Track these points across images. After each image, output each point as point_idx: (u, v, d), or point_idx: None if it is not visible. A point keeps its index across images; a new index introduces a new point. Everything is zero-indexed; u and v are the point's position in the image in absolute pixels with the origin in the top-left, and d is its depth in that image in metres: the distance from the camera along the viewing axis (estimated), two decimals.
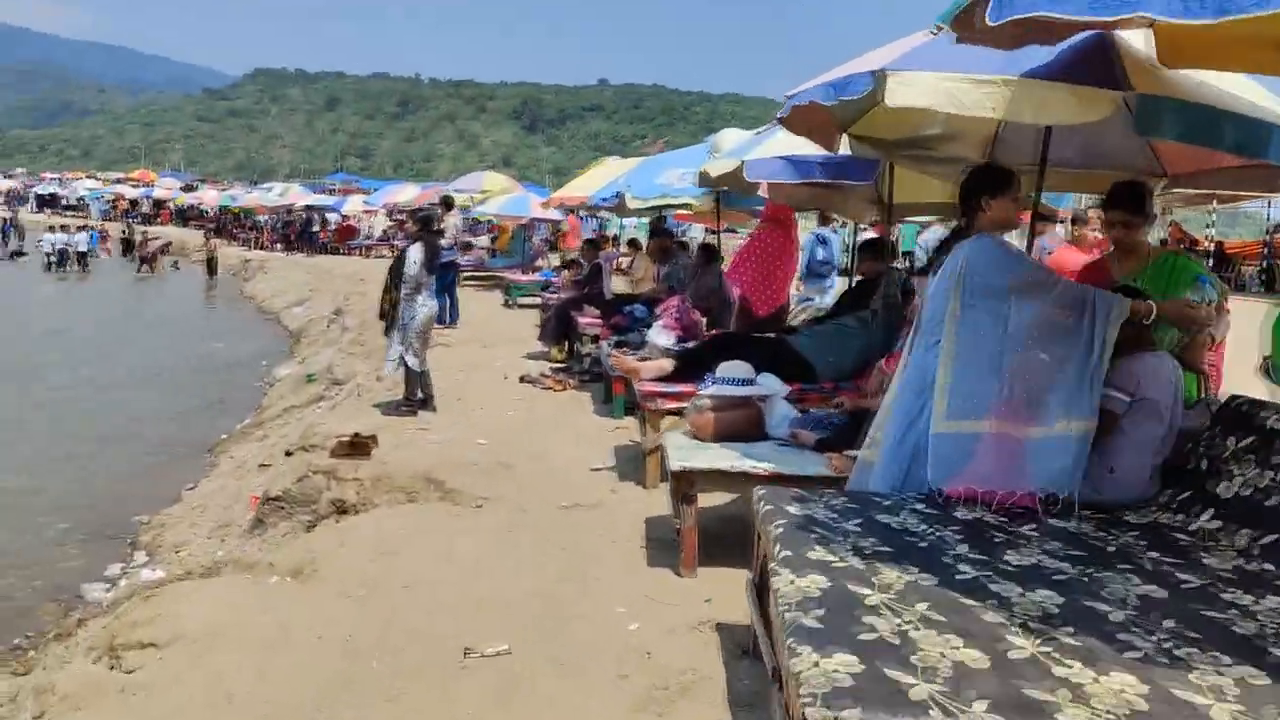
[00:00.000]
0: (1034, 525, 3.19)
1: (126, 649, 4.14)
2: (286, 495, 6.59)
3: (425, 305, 8.16)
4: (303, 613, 4.31)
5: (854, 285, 6.83)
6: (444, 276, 13.33)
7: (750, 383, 4.98)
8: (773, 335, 6.38)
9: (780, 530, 3.00)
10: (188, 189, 58.47)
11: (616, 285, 13.25)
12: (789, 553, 2.81)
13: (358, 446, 6.88)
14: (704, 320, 7.93)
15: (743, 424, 4.87)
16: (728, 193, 8.25)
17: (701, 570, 4.46)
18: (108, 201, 55.69)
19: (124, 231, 38.50)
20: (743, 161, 5.45)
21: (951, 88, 3.50)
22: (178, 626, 4.22)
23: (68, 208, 58.21)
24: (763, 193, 7.07)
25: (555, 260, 22.36)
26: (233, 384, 15.71)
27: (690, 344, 7.43)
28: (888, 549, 2.88)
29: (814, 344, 6.00)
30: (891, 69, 3.59)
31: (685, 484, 4.36)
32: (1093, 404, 3.45)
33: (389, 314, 8.35)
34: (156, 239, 35.58)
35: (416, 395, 8.25)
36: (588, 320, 10.11)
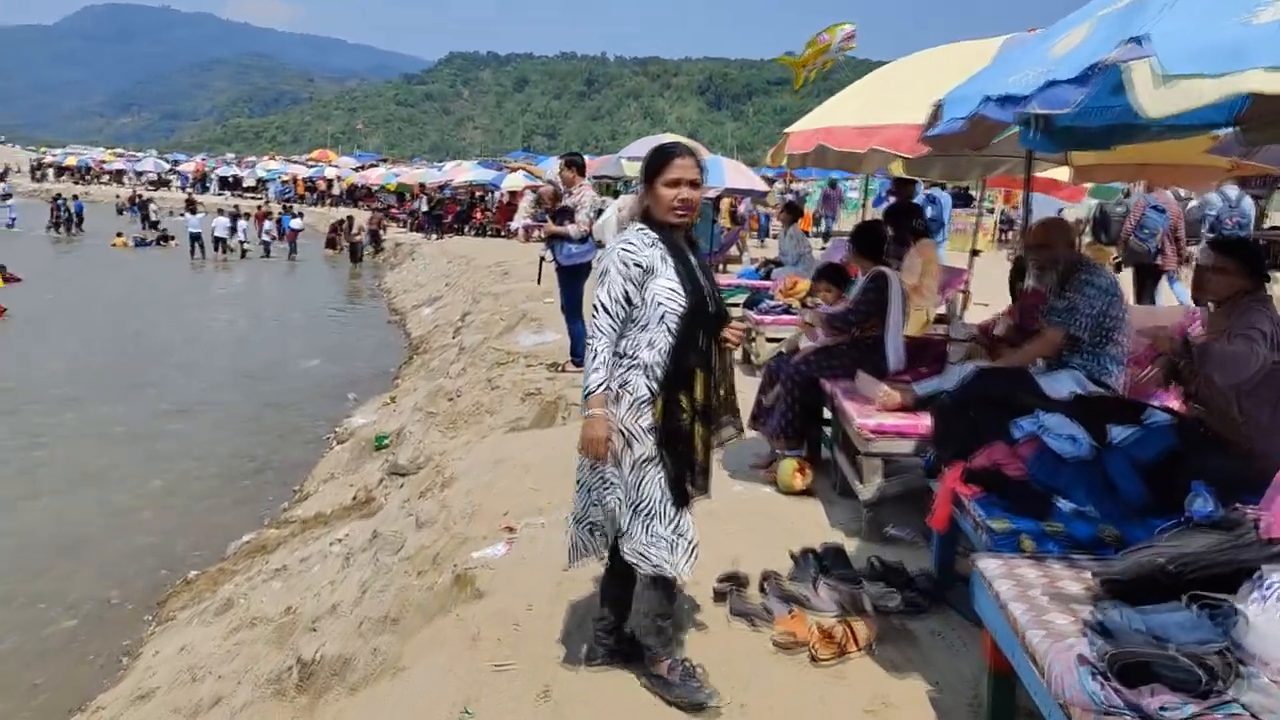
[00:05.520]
0: None
1: None
2: None
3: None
4: None
5: None
6: (571, 287, 7.87)
7: None
8: None
9: None
10: (367, 168, 56.04)
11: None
12: None
13: None
14: None
15: None
16: None
17: None
18: (283, 182, 53.90)
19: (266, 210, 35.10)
20: None
21: None
22: None
23: (247, 189, 57.01)
24: None
25: (759, 251, 16.52)
26: (298, 431, 10.91)
27: None
28: None
29: None
30: None
31: None
32: None
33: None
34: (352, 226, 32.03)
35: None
36: (884, 426, 4.27)
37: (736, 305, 10.58)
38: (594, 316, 2.90)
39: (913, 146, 3.99)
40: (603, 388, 2.86)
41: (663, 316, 2.86)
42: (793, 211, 11.11)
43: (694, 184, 2.93)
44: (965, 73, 4.06)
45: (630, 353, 2.89)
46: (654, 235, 2.93)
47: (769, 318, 8.39)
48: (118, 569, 7.18)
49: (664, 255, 2.89)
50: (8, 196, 37.96)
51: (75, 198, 38.18)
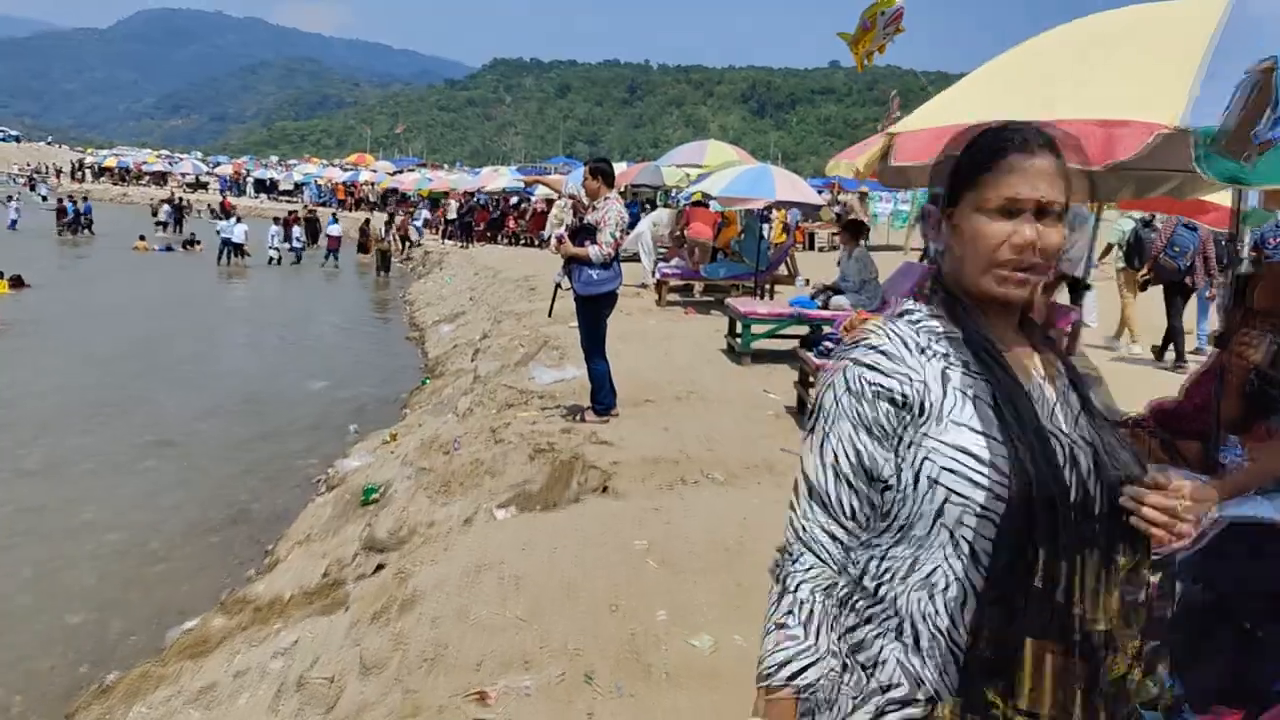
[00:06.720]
0: None
1: None
2: None
3: None
4: None
5: None
6: (591, 320, 6.47)
7: None
8: None
9: None
10: (403, 173, 55.25)
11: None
12: None
13: None
14: None
15: None
16: None
17: None
18: (318, 185, 53.26)
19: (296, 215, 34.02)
20: None
21: None
22: None
23: (284, 193, 56.48)
24: None
25: (809, 271, 15.01)
26: (286, 471, 9.65)
27: None
28: None
29: None
30: None
31: None
32: None
33: None
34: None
35: None
36: None
37: (793, 339, 9.17)
38: (797, 512, 1.35)
39: (1104, 149, 2.54)
40: (799, 679, 1.29)
41: (958, 520, 1.28)
42: (855, 232, 9.63)
43: (1047, 211, 1.30)
44: (1177, 47, 2.61)
45: (874, 591, 1.33)
46: (938, 327, 1.37)
47: (832, 363, 6.92)
48: (33, 659, 5.90)
49: (960, 376, 1.33)
50: (10, 198, 37.71)
51: (85, 198, 37.64)
